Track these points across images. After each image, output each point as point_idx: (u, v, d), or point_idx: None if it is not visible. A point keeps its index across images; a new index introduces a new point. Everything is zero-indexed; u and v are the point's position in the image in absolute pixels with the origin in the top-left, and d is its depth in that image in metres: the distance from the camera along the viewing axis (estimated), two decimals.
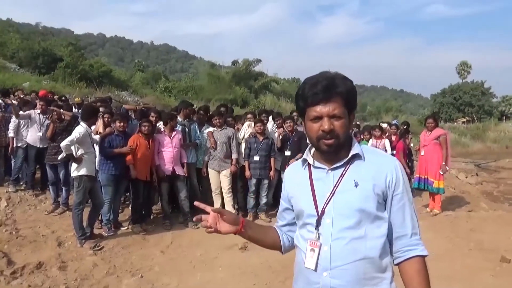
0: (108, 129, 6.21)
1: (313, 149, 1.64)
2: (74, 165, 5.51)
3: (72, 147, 5.40)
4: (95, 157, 5.76)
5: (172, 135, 6.48)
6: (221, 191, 6.94)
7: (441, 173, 7.10)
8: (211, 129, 6.99)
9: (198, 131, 7.09)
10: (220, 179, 6.88)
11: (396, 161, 1.62)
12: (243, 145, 7.01)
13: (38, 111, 7.41)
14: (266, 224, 4.17)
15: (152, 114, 7.10)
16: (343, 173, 1.54)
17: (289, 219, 1.76)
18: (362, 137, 8.69)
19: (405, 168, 7.73)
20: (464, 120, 38.94)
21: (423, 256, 1.56)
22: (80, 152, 5.47)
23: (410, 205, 1.58)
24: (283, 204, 1.78)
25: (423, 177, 7.32)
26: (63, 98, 10.66)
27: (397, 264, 1.57)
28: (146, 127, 6.17)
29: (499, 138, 31.95)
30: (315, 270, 1.51)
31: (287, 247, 1.79)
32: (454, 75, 47.40)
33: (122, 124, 6.16)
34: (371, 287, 1.49)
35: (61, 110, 7.13)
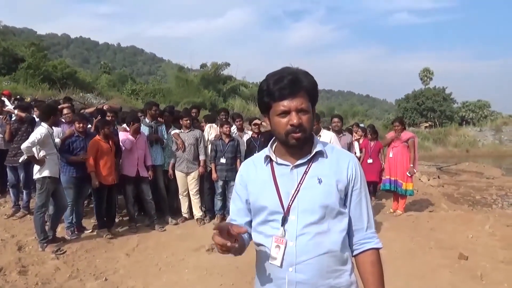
0: (68, 131, 6.07)
1: (274, 145, 1.66)
2: (36, 167, 5.34)
3: (34, 149, 5.24)
4: (58, 158, 5.59)
5: (137, 137, 6.40)
6: (188, 193, 6.90)
7: (409, 175, 7.28)
8: (176, 130, 6.94)
9: (165, 133, 7.03)
10: (187, 181, 6.84)
11: (354, 157, 1.67)
12: (209, 147, 6.99)
13: None
14: None
15: (108, 114, 7.00)
16: (307, 170, 1.57)
17: (247, 219, 1.70)
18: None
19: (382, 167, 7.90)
20: (427, 124, 40.24)
21: (378, 249, 1.62)
22: (42, 153, 5.31)
23: (366, 199, 1.64)
24: (237, 203, 1.72)
25: (393, 179, 7.42)
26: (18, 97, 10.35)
27: (354, 256, 1.63)
28: (105, 130, 6.00)
29: (460, 142, 33.23)
30: (281, 266, 1.52)
31: (246, 245, 1.69)
32: (417, 81, 48.94)
33: (81, 125, 6.00)
34: (334, 279, 1.54)
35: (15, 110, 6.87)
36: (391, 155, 7.49)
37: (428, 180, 12.85)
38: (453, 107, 44.66)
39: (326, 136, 5.45)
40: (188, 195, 6.92)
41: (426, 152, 28.74)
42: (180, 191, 6.92)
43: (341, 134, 6.88)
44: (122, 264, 5.11)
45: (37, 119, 6.77)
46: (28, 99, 10.48)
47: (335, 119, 7.02)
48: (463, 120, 42.95)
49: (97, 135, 6.01)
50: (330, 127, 7.21)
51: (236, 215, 1.72)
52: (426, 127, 39.36)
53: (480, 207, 9.29)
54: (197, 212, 6.85)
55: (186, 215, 6.97)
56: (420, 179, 12.49)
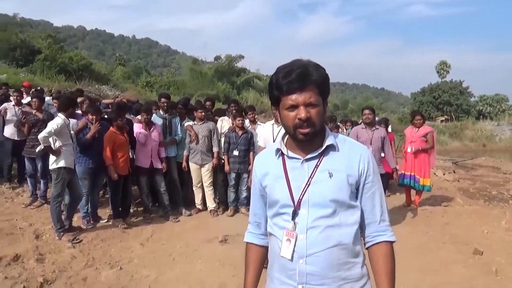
0: (81, 123, 6.14)
1: (286, 138, 1.65)
2: (52, 158, 5.42)
3: (50, 139, 5.32)
4: (74, 148, 5.67)
5: (151, 129, 6.46)
6: (202, 185, 6.95)
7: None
8: (190, 122, 6.98)
9: (179, 125, 7.07)
10: (201, 173, 6.88)
11: (367, 150, 1.65)
12: (222, 139, 7.01)
13: (13, 103, 7.27)
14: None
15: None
16: (318, 164, 1.56)
17: (264, 223, 1.75)
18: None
19: (396, 160, 7.72)
20: (443, 118, 39.75)
21: (391, 242, 1.61)
22: (58, 144, 5.40)
23: (380, 192, 1.63)
24: (255, 203, 1.77)
25: (410, 174, 7.21)
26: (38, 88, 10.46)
27: (367, 248, 1.63)
28: (119, 122, 6.04)
29: (476, 136, 32.76)
30: (291, 259, 1.53)
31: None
32: (433, 74, 48.34)
33: (95, 116, 6.04)
34: (345, 271, 1.53)
35: (33, 111, 6.88)
36: (409, 150, 7.27)
37: (444, 174, 12.70)
38: (470, 101, 44.05)
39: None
40: (202, 187, 6.97)
41: (442, 147, 28.38)
42: (194, 182, 6.97)
43: (374, 128, 6.37)
44: (137, 254, 5.18)
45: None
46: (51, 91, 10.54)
47: (366, 111, 6.48)
48: (480, 114, 42.33)
49: (111, 128, 6.07)
50: (361, 120, 6.84)
51: (258, 209, 1.77)
52: (442, 121, 38.89)
53: (496, 202, 9.16)
54: (211, 204, 6.90)
55: (199, 207, 7.02)
56: (435, 174, 12.35)
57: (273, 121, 5.34)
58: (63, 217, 5.61)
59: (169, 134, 6.89)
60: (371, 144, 6.15)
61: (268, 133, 5.36)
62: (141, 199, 6.84)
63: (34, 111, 6.77)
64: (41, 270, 4.47)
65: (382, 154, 6.38)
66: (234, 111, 7.27)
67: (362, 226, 1.61)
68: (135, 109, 8.19)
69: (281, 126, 4.49)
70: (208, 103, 8.05)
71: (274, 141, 4.92)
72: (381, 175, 2.25)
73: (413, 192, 7.51)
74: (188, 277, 4.52)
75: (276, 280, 1.62)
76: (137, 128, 6.48)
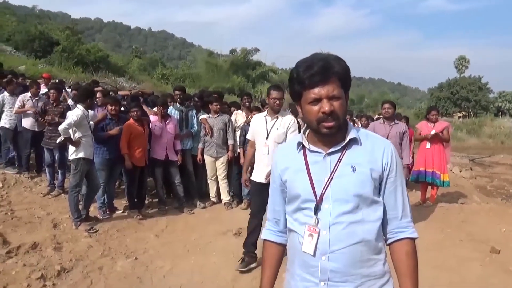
0: (100, 114, 6.20)
1: (307, 132, 1.62)
2: (71, 148, 5.51)
3: (70, 130, 5.40)
4: (93, 140, 5.75)
5: (167, 121, 6.50)
6: (216, 178, 6.97)
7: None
8: (205, 115, 7.00)
9: (195, 118, 7.10)
10: (216, 166, 6.91)
11: (390, 144, 1.62)
12: (238, 132, 7.02)
13: (29, 94, 7.37)
14: None
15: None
16: (340, 158, 1.53)
17: (283, 220, 1.72)
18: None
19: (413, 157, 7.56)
20: (461, 114, 39.15)
21: (413, 239, 1.58)
22: (77, 135, 5.47)
23: (402, 188, 1.59)
24: (275, 199, 1.74)
25: (432, 170, 7.04)
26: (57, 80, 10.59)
27: (388, 245, 1.61)
28: (135, 113, 6.10)
29: (495, 133, 32.17)
30: (314, 255, 1.51)
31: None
32: (452, 70, 47.59)
33: (114, 107, 6.12)
34: (367, 268, 1.51)
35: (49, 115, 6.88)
36: (428, 146, 7.10)
37: (460, 171, 12.53)
38: (489, 97, 43.28)
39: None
40: (217, 180, 6.99)
41: (459, 143, 27.96)
42: (208, 175, 7.00)
43: (393, 122, 6.16)
44: (152, 245, 5.24)
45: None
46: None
47: (386, 105, 6.31)
48: (499, 111, 41.59)
49: (131, 119, 6.13)
50: (381, 114, 6.66)
51: (278, 205, 1.74)
52: (459, 117, 38.30)
53: None
54: (225, 197, 6.92)
55: (214, 199, 7.06)
56: (451, 170, 12.19)
57: (265, 113, 4.66)
58: (80, 207, 5.70)
59: (185, 127, 6.92)
60: (387, 139, 6.06)
61: (259, 127, 4.57)
62: (156, 191, 6.90)
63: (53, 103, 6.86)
64: (59, 258, 4.56)
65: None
66: (247, 104, 7.27)
67: (383, 222, 1.58)
68: (152, 101, 8.25)
69: (275, 119, 4.46)
70: (214, 96, 8.06)
71: (268, 135, 4.43)
72: None
73: (428, 189, 7.43)
74: (202, 269, 4.56)
75: (297, 277, 1.59)
76: (153, 120, 6.53)
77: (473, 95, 40.78)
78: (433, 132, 7.00)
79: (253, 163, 4.62)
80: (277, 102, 4.40)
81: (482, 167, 15.35)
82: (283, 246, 1.75)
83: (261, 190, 4.25)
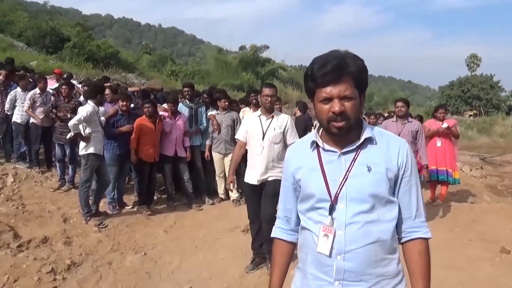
0: (112, 110, 6.24)
1: (321, 130, 1.60)
2: (82, 144, 5.56)
3: (80, 126, 5.44)
4: (103, 135, 5.79)
5: (176, 118, 6.52)
6: (225, 174, 6.98)
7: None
8: (213, 112, 7.00)
9: (204, 115, 7.11)
10: (224, 163, 6.91)
11: (405, 143, 1.60)
12: None
13: (38, 90, 7.42)
14: None
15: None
16: (355, 157, 1.52)
17: (294, 218, 1.71)
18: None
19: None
20: (472, 113, 38.70)
21: (427, 239, 1.58)
22: (88, 130, 5.52)
23: (416, 187, 1.58)
24: (287, 197, 1.72)
25: (446, 169, 6.94)
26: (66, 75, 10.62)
27: (401, 244, 1.60)
28: (147, 109, 6.15)
29: (506, 132, 31.72)
30: (329, 255, 1.50)
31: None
32: (463, 68, 47.21)
33: (125, 103, 6.16)
34: (382, 268, 1.51)
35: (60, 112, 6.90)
36: (439, 144, 6.99)
37: (470, 170, 12.40)
38: (501, 95, 42.76)
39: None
40: (225, 177, 7.00)
41: (469, 142, 27.63)
42: (217, 172, 7.01)
43: (406, 121, 6.04)
44: (160, 240, 5.28)
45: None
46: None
47: (399, 103, 6.18)
48: (511, 110, 41.03)
49: (143, 115, 6.17)
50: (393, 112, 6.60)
51: (290, 203, 1.72)
52: (470, 115, 37.87)
53: None
54: (233, 194, 6.94)
55: (222, 196, 7.07)
56: (461, 169, 12.07)
57: (258, 112, 4.42)
58: (90, 202, 5.76)
59: (195, 124, 6.94)
60: None
61: (254, 127, 4.36)
62: (165, 187, 6.94)
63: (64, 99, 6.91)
64: (69, 252, 4.61)
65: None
66: (254, 101, 7.26)
67: (397, 221, 1.57)
68: (162, 97, 8.28)
69: (271, 119, 4.35)
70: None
71: (264, 136, 4.25)
72: None
73: (438, 187, 7.37)
74: (210, 265, 4.59)
75: (310, 275, 1.58)
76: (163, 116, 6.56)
77: (484, 94, 40.33)
78: (445, 125, 6.88)
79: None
80: (269, 99, 4.26)
81: (493, 166, 15.17)
82: (294, 245, 1.75)
83: (255, 192, 4.26)
